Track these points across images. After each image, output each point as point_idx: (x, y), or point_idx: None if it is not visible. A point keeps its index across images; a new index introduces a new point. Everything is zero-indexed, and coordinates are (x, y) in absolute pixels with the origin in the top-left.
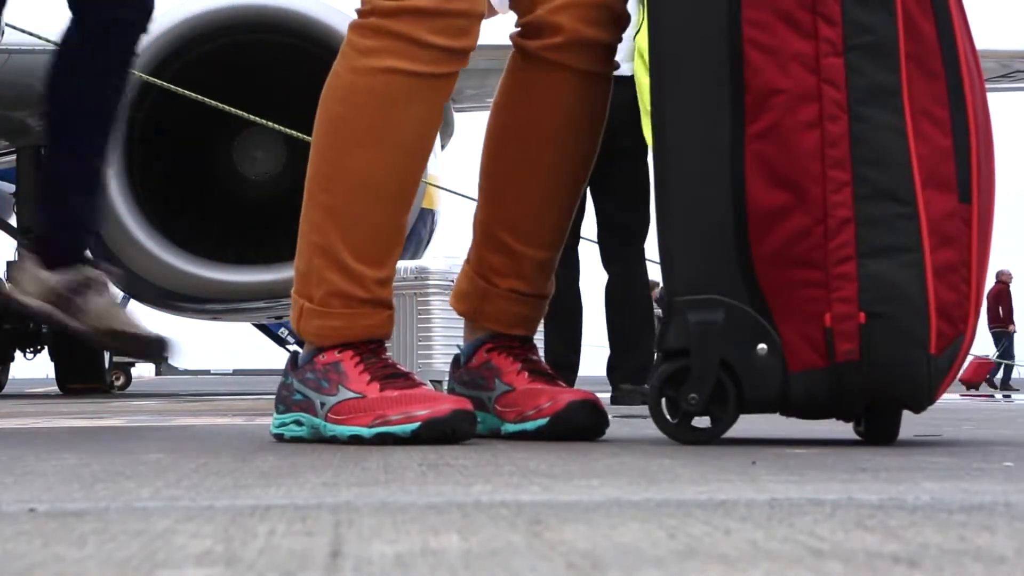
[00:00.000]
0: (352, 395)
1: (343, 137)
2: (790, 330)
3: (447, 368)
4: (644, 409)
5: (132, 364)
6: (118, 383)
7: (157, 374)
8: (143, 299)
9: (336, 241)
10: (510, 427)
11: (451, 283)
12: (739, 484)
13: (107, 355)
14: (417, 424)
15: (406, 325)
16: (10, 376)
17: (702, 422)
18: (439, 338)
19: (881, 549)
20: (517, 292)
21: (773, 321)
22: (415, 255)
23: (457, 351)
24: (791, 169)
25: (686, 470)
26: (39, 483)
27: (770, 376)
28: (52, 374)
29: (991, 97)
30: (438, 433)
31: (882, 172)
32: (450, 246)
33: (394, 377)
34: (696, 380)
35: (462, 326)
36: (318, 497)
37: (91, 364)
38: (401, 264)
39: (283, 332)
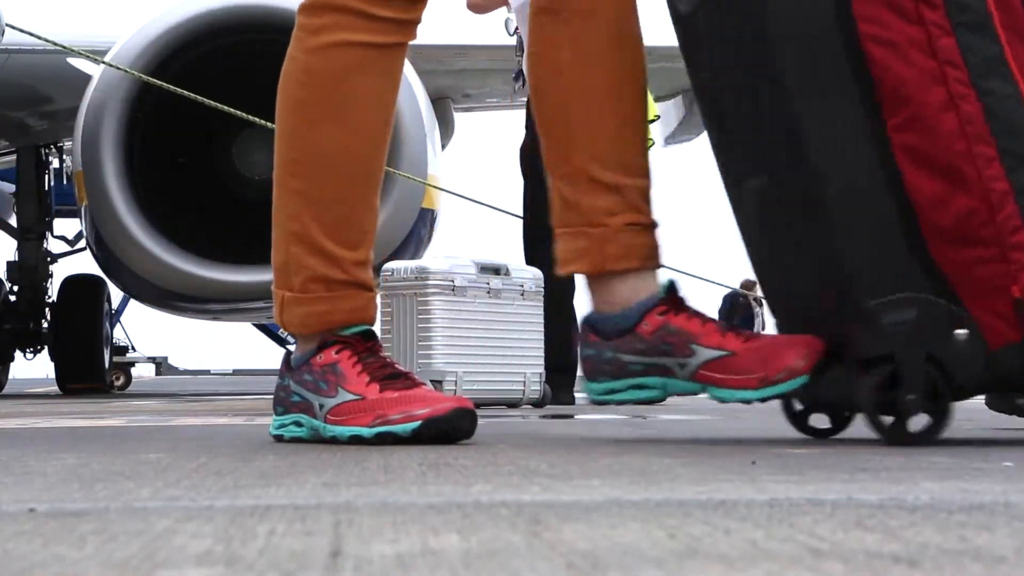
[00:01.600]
0: (351, 397)
1: (305, 118)
2: (981, 310)
3: (447, 368)
4: (647, 409)
5: (132, 364)
6: (118, 383)
7: (157, 374)
8: (143, 299)
9: (311, 225)
10: (748, 394)
11: (451, 283)
12: (739, 484)
13: (107, 355)
14: (417, 423)
15: (406, 325)
16: (10, 376)
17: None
18: (439, 338)
19: (881, 549)
20: (635, 224)
21: (963, 305)
22: (415, 255)
23: (589, 318)
24: (940, 153)
25: (686, 470)
26: (39, 483)
27: (974, 359)
28: (52, 374)
29: None
30: (438, 432)
31: (1019, 140)
32: (450, 246)
33: (393, 378)
34: (908, 380)
35: (462, 326)
36: (318, 497)
37: (91, 364)
38: (401, 264)
39: (283, 332)
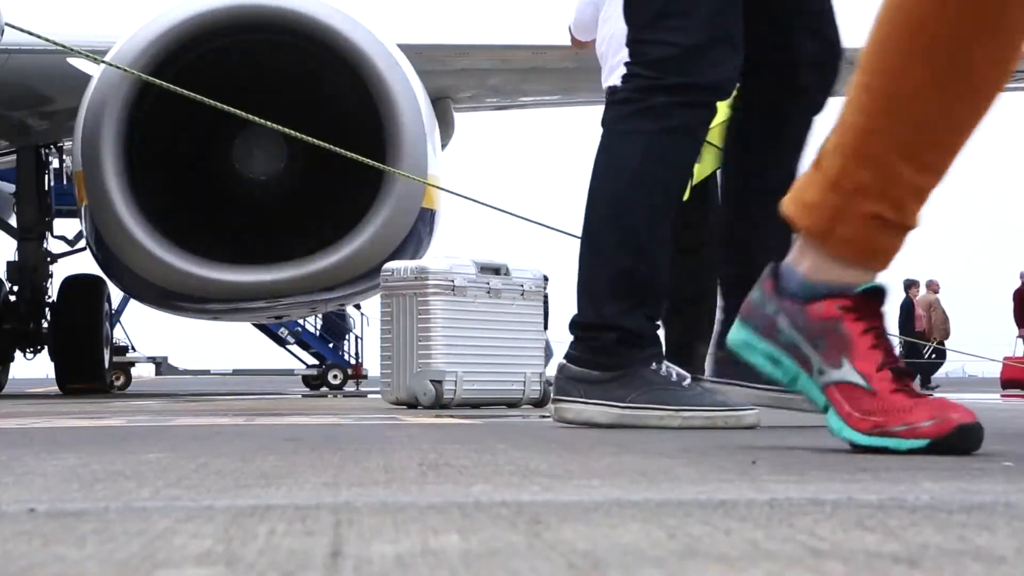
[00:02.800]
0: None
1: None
2: None
3: (447, 368)
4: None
5: (132, 364)
6: (118, 383)
7: (157, 374)
8: (143, 299)
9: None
10: (859, 437)
11: (451, 283)
12: (739, 484)
13: (107, 355)
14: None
15: (406, 325)
16: (10, 376)
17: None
18: (439, 338)
19: (881, 549)
20: (881, 218)
21: None
22: (415, 255)
23: (780, 263)
24: None
25: (686, 470)
26: (39, 483)
27: None
28: (52, 374)
29: None
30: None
31: None
32: (450, 246)
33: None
34: None
35: (462, 326)
36: (318, 497)
37: (91, 364)
38: (401, 264)
39: (283, 332)
